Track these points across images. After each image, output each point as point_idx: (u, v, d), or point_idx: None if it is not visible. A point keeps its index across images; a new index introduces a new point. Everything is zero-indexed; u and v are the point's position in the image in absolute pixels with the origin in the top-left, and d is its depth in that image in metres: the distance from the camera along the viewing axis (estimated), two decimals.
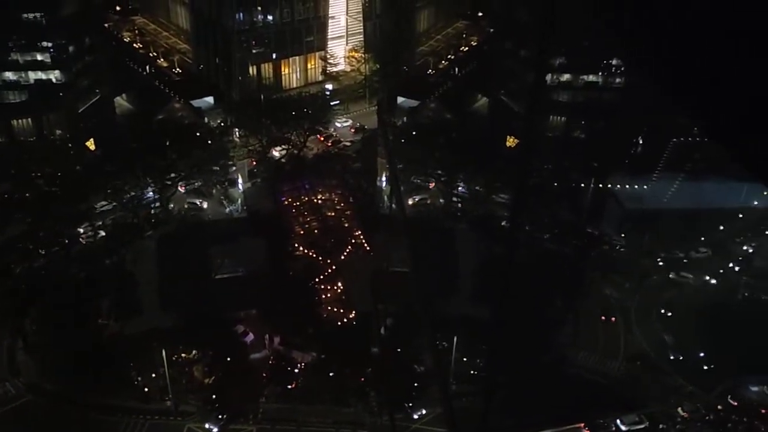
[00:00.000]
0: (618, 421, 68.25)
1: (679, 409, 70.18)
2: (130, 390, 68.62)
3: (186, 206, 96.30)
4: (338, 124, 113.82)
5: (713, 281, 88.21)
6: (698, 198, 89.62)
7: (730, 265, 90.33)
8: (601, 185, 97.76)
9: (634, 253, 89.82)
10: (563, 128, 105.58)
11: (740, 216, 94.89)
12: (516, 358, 70.04)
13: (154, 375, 69.22)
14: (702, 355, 76.13)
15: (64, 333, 72.86)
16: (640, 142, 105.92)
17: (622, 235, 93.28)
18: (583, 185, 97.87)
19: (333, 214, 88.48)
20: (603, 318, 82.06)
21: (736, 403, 70.81)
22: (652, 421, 68.70)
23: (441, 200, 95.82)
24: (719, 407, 70.58)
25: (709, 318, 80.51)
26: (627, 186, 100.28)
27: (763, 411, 70.50)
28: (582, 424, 67.72)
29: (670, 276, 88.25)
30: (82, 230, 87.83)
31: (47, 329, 74.47)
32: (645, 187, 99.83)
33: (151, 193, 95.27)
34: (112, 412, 66.84)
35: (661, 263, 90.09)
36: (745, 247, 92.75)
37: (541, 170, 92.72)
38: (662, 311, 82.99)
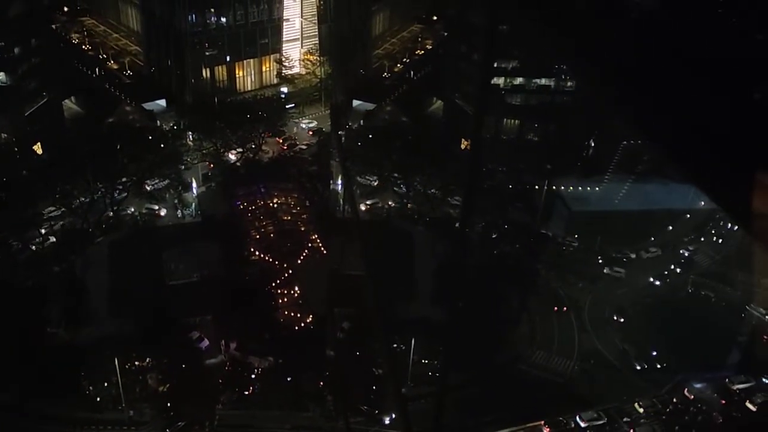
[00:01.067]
0: (577, 418, 69.63)
1: (636, 405, 72.13)
2: (81, 400, 66.84)
3: (139, 211, 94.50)
4: (303, 125, 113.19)
5: (661, 281, 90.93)
6: (648, 199, 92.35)
7: (679, 263, 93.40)
8: (554, 187, 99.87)
9: (586, 253, 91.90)
10: (517, 131, 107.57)
11: (688, 216, 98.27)
12: (472, 359, 71.15)
13: (106, 384, 67.62)
14: (653, 352, 78.26)
15: (12, 342, 70.53)
16: (592, 144, 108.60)
17: (576, 236, 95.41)
18: (536, 187, 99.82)
19: (289, 218, 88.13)
20: (556, 309, 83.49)
21: (692, 397, 73.06)
22: (611, 418, 70.36)
23: (397, 203, 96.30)
24: (675, 401, 72.70)
25: (659, 316, 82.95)
26: (579, 188, 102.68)
27: (723, 402, 72.80)
28: (542, 422, 68.76)
29: (605, 271, 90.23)
30: (29, 237, 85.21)
31: None
32: (597, 189, 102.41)
33: (102, 198, 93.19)
34: (63, 422, 65.02)
35: (611, 263, 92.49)
36: (692, 247, 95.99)
37: (495, 172, 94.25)
38: (614, 310, 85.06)
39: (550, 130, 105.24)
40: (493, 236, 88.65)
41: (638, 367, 76.94)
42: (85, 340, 70.71)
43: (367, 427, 64.27)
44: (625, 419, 70.68)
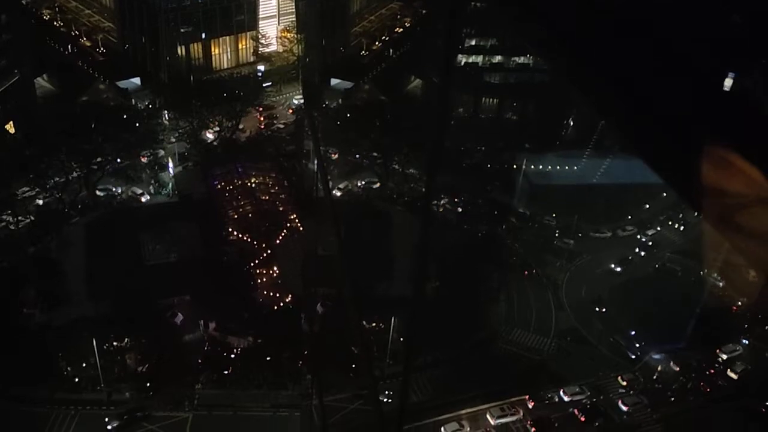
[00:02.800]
0: (561, 392, 70.96)
1: (619, 379, 73.73)
2: (59, 381, 66.60)
3: (114, 191, 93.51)
4: (296, 101, 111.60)
5: (636, 258, 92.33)
6: (627, 177, 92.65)
7: (653, 241, 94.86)
8: (532, 166, 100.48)
9: (564, 231, 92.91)
10: (495, 110, 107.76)
11: (664, 195, 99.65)
12: (449, 336, 72.14)
13: (84, 365, 67.39)
14: (628, 328, 79.74)
15: None
16: (571, 123, 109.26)
17: (553, 214, 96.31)
18: (515, 166, 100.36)
19: (267, 197, 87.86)
20: (526, 273, 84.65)
21: (678, 368, 74.95)
22: (594, 391, 71.84)
23: (376, 183, 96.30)
24: (660, 371, 74.53)
25: (634, 293, 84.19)
26: (558, 166, 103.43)
27: (711, 372, 74.86)
28: (526, 396, 70.03)
29: (554, 243, 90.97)
30: (3, 217, 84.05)
31: None
32: (575, 167, 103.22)
33: (77, 178, 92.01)
34: (41, 403, 64.82)
35: (589, 242, 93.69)
36: (669, 224, 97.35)
37: (472, 151, 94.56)
38: (590, 288, 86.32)
39: (528, 109, 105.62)
40: (471, 215, 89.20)
41: (614, 343, 78.43)
42: (62, 322, 70.19)
43: (345, 405, 65.09)
44: (610, 394, 72.18)
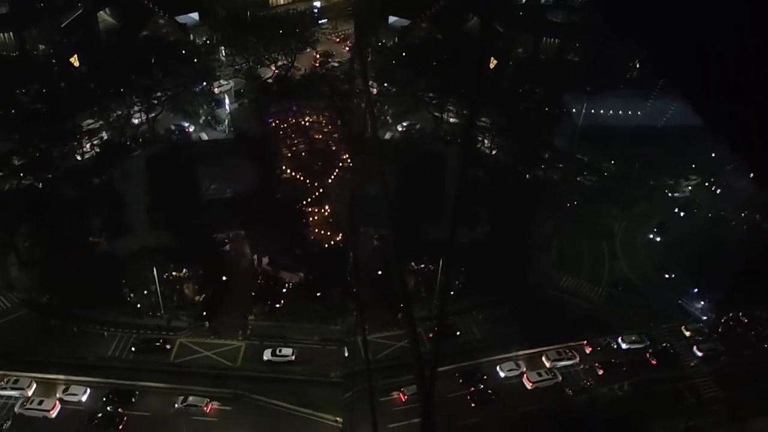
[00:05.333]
0: (619, 339, 70.58)
1: (683, 329, 72.77)
2: (123, 306, 70.26)
3: (173, 126, 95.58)
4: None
5: (699, 211, 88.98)
6: (695, 122, 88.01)
7: (716, 192, 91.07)
8: (593, 110, 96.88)
9: (623, 179, 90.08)
10: (556, 50, 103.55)
11: None
12: (499, 280, 72.23)
13: (146, 292, 70.73)
14: (685, 280, 77.70)
15: (56, 250, 74.07)
16: (637, 64, 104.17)
17: (612, 161, 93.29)
18: (574, 110, 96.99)
19: (320, 136, 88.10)
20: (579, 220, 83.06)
21: (747, 320, 73.55)
22: (652, 341, 71.11)
23: (429, 124, 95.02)
24: (729, 323, 73.22)
25: (692, 245, 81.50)
26: (620, 111, 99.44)
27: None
28: (584, 342, 69.99)
29: (611, 190, 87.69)
30: (70, 149, 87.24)
31: (39, 246, 75.62)
32: (639, 112, 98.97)
33: (138, 112, 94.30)
34: (107, 326, 68.78)
35: (649, 190, 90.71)
36: (732, 175, 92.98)
37: (530, 94, 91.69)
38: (647, 239, 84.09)
39: (591, 49, 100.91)
40: (525, 159, 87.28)
41: (670, 295, 76.71)
42: (125, 250, 73.51)
43: (392, 342, 66.55)
44: (665, 344, 71.08)
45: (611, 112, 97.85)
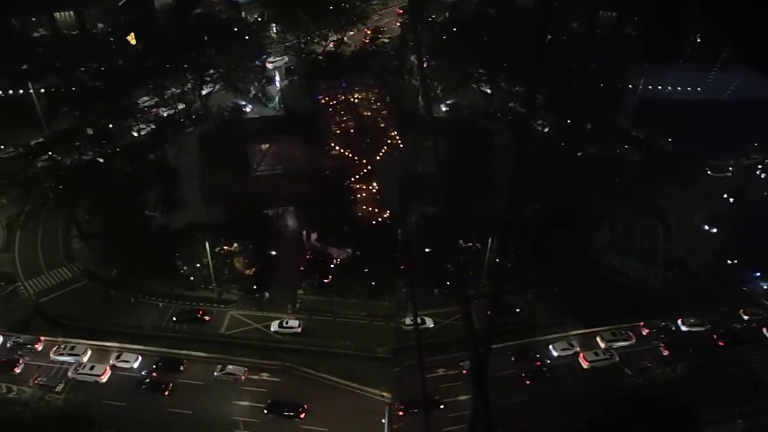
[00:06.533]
0: (679, 321, 69.04)
1: (741, 312, 70.62)
2: (177, 278, 72.49)
3: (225, 103, 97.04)
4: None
5: (760, 191, 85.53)
6: (758, 96, 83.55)
7: None
8: (650, 86, 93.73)
9: (680, 157, 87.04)
10: (614, 24, 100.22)
11: None
12: (549, 259, 71.23)
13: (198, 265, 72.69)
14: (744, 263, 74.95)
15: (114, 223, 76.77)
16: (698, 39, 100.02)
17: (669, 139, 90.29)
18: (630, 86, 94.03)
19: (369, 113, 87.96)
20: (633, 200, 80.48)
21: None
22: (714, 324, 69.13)
23: (480, 101, 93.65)
24: None
25: (754, 228, 78.17)
26: (679, 87, 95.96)
27: None
28: (641, 323, 68.83)
29: (668, 169, 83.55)
30: (127, 125, 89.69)
31: (98, 219, 78.50)
32: (699, 88, 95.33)
33: (191, 89, 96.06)
34: (161, 297, 71.15)
35: (708, 169, 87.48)
36: None
37: (584, 70, 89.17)
38: (705, 220, 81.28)
39: (650, 23, 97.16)
40: (578, 137, 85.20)
41: (728, 277, 74.18)
42: (179, 224, 75.58)
43: (440, 320, 66.76)
44: (735, 325, 69.30)
45: (669, 87, 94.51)
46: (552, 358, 65.38)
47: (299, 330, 66.77)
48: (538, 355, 65.29)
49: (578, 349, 65.98)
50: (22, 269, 74.16)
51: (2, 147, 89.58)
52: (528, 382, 62.45)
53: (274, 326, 67.37)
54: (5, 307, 68.68)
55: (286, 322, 67.43)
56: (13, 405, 58.61)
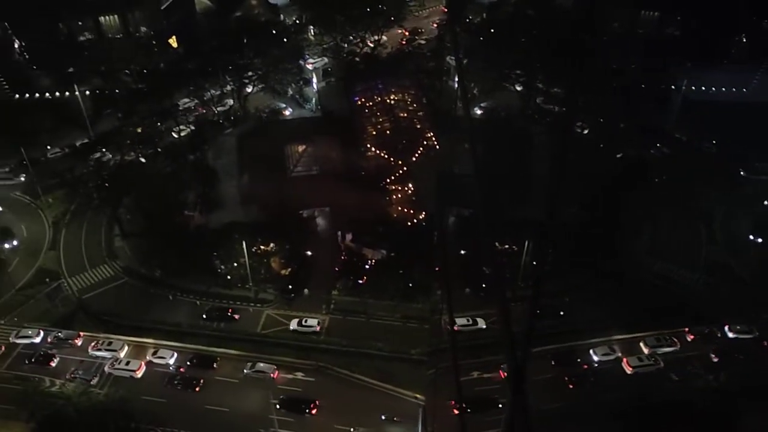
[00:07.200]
0: (725, 328, 67.18)
1: None
2: (214, 277, 73.57)
3: (263, 105, 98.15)
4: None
5: None
6: None
7: None
8: (693, 87, 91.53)
9: (724, 160, 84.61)
10: (656, 24, 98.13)
11: None
12: (588, 263, 70.02)
13: (235, 264, 73.58)
14: None
15: (154, 222, 78.39)
16: (743, 38, 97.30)
17: (714, 141, 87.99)
18: (673, 87, 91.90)
19: (405, 114, 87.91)
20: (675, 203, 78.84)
21: None
22: (763, 331, 66.87)
23: (517, 102, 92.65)
24: None
25: None
26: (723, 88, 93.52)
27: None
28: (685, 329, 67.30)
29: (712, 172, 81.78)
30: (168, 126, 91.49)
31: (139, 218, 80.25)
32: (744, 89, 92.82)
33: (230, 91, 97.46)
34: (199, 296, 72.21)
35: (752, 172, 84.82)
36: None
37: (626, 71, 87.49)
38: (750, 223, 78.85)
39: (693, 22, 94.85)
40: (618, 139, 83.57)
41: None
42: (216, 224, 76.74)
43: (474, 323, 66.25)
44: None
45: (714, 89, 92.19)
46: (592, 363, 64.37)
47: (318, 329, 67.16)
48: (579, 360, 64.30)
49: (619, 354, 64.71)
50: (66, 266, 76.39)
51: (49, 147, 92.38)
52: (571, 386, 61.60)
53: (293, 325, 67.92)
54: (50, 304, 70.74)
55: (305, 321, 67.95)
56: (56, 399, 60.35)
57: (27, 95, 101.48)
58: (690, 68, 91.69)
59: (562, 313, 67.97)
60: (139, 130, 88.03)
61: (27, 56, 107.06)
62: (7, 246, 78.09)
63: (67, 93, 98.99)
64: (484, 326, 65.58)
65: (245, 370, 63.10)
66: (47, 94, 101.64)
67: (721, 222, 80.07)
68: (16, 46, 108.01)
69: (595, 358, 64.48)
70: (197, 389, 61.74)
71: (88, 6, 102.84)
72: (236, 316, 69.61)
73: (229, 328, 68.33)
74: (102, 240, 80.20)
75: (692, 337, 66.73)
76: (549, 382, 61.25)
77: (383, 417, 58.05)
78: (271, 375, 62.55)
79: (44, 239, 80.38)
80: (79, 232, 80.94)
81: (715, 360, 64.18)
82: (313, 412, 59.10)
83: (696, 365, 63.58)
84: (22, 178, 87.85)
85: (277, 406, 59.44)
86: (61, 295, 71.79)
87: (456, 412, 55.87)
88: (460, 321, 66.06)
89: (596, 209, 72.95)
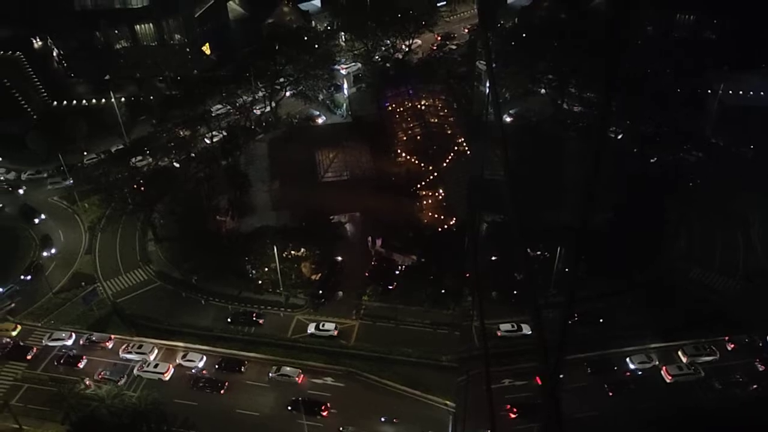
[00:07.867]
0: None
1: None
2: (246, 281, 74.15)
3: (294, 111, 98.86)
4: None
5: None
6: None
7: None
8: (730, 91, 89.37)
9: (761, 164, 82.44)
10: (692, 28, 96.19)
11: None
12: (622, 269, 68.63)
13: (266, 269, 74.08)
14: None
15: (187, 227, 79.40)
16: None
17: (751, 146, 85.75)
18: (709, 91, 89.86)
19: (436, 120, 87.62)
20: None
21: None
22: None
23: (549, 107, 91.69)
24: None
25: None
26: (762, 92, 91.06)
27: None
28: (726, 338, 65.63)
29: (749, 176, 78.71)
30: (201, 132, 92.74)
31: (172, 223, 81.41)
32: None
33: (262, 97, 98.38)
34: (230, 300, 72.89)
35: None
36: None
37: (662, 74, 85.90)
38: None
39: (730, 26, 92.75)
40: (653, 144, 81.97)
41: None
42: (248, 229, 77.38)
43: (518, 329, 65.45)
44: None
45: (751, 93, 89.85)
46: (629, 371, 63.12)
47: (335, 333, 67.20)
48: (615, 368, 63.20)
49: (656, 362, 63.38)
50: (101, 270, 77.88)
51: (86, 153, 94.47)
52: (611, 394, 60.57)
53: (310, 328, 68.05)
54: (85, 307, 72.16)
55: (323, 325, 68.12)
56: (90, 401, 61.40)
57: (65, 103, 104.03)
58: (726, 72, 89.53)
59: (601, 320, 66.77)
60: (172, 137, 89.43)
61: (65, 65, 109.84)
62: (46, 254, 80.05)
63: (103, 100, 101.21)
64: (529, 332, 64.78)
65: (270, 374, 63.45)
66: (84, 102, 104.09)
67: (759, 227, 78.04)
68: (55, 54, 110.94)
69: (632, 366, 63.31)
70: (222, 392, 62.21)
71: (125, 15, 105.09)
72: (260, 321, 69.99)
73: (259, 332, 68.68)
74: (136, 244, 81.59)
75: (732, 345, 64.95)
76: (585, 389, 60.29)
77: (383, 419, 58.10)
78: (296, 379, 62.73)
79: (80, 244, 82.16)
80: (114, 237, 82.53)
81: (761, 369, 62.26)
82: (324, 414, 59.15)
83: (741, 375, 61.85)
84: (70, 182, 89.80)
85: (288, 408, 59.81)
86: (96, 298, 73.22)
87: (512, 416, 55.46)
88: (505, 327, 65.67)
89: (630, 215, 71.53)
